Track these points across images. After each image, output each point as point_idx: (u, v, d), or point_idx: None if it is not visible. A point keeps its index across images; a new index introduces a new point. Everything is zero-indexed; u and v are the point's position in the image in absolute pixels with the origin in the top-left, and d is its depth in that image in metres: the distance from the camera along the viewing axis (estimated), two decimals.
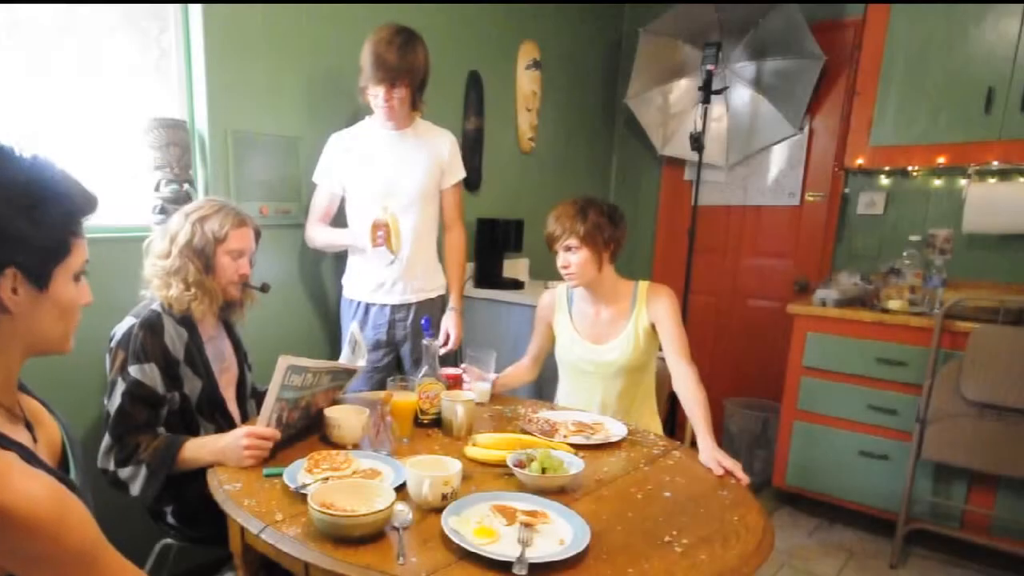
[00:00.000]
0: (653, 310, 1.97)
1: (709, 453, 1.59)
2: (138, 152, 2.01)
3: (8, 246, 0.82)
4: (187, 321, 1.64)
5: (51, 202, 0.86)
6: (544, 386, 2.81)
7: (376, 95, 2.18)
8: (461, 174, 2.41)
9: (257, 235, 1.75)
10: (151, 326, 1.56)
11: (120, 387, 1.53)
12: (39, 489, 0.78)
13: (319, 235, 2.36)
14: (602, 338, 2.00)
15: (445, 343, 2.38)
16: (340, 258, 2.52)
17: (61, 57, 1.91)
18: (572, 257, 1.92)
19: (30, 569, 0.81)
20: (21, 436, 0.91)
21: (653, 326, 1.98)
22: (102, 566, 0.86)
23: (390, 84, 2.14)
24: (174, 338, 1.60)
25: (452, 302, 2.41)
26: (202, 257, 1.62)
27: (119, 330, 1.58)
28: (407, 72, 2.15)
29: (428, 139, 2.33)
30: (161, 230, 1.69)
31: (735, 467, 1.53)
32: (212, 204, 1.67)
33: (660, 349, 2.05)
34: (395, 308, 2.36)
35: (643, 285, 2.01)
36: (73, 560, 0.82)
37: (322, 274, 2.60)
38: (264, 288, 1.81)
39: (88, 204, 0.92)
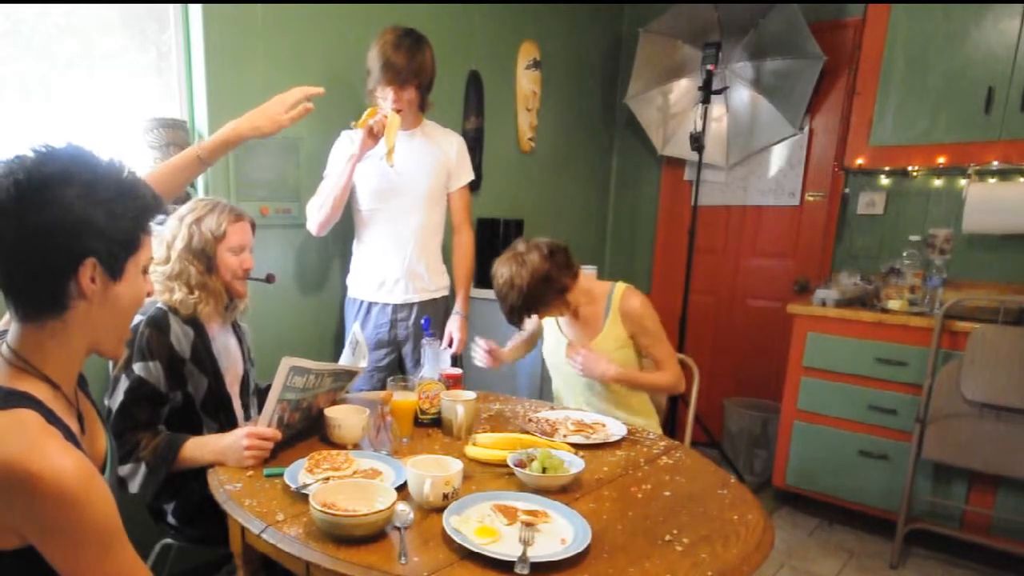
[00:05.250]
0: (629, 323, 1.99)
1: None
2: (138, 152, 2.01)
3: (90, 237, 0.89)
4: (194, 320, 1.64)
5: (127, 198, 0.93)
6: (544, 386, 2.82)
7: (385, 98, 2.18)
8: (469, 176, 2.40)
9: (252, 228, 1.75)
10: (157, 324, 1.56)
11: (123, 384, 1.52)
12: (70, 463, 0.83)
13: (317, 197, 2.25)
14: (582, 338, 2.02)
15: (448, 346, 2.38)
16: (345, 258, 2.52)
17: (61, 57, 1.91)
18: (538, 318, 2.03)
19: (48, 540, 0.84)
20: (71, 423, 0.95)
21: (632, 337, 1.99)
22: (116, 553, 0.89)
23: (399, 86, 2.14)
24: (180, 337, 1.60)
25: (458, 306, 2.40)
26: (203, 258, 1.62)
27: None
28: (415, 74, 2.15)
29: (436, 140, 2.33)
30: (159, 238, 1.66)
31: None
32: (205, 204, 1.67)
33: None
34: (397, 307, 2.36)
35: (618, 290, 2.02)
36: (90, 539, 0.85)
37: (325, 274, 2.60)
38: (269, 279, 1.82)
39: (157, 204, 0.99)
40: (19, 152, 0.89)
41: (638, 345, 2.01)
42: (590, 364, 1.91)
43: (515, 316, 1.93)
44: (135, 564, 0.92)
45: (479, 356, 2.09)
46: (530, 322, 2.18)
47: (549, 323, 2.13)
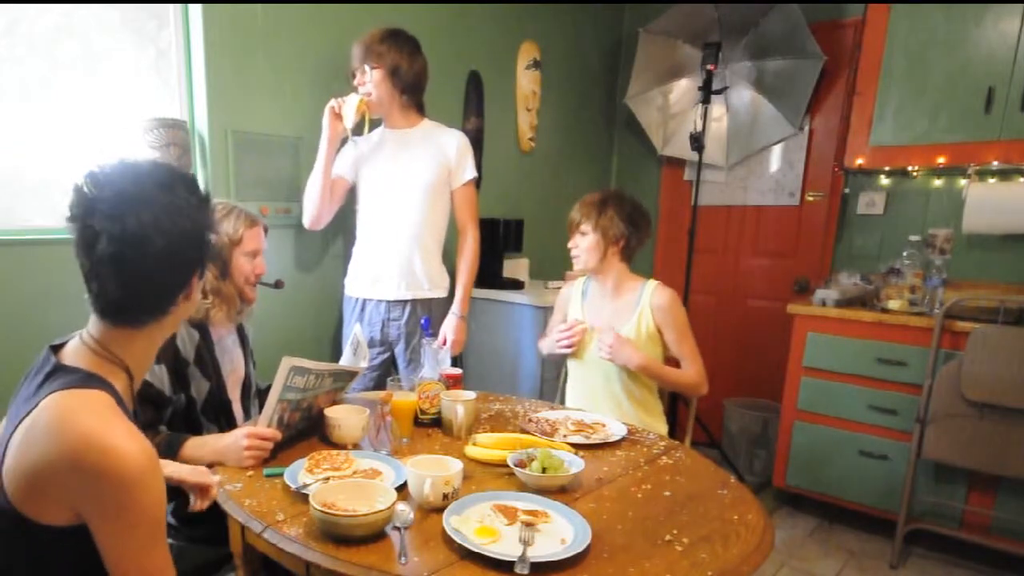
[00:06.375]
0: (659, 315, 2.02)
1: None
2: (138, 152, 2.01)
3: (198, 250, 1.00)
4: (200, 322, 1.63)
5: (203, 204, 1.01)
6: (544, 386, 2.82)
7: (356, 77, 2.24)
8: (470, 174, 2.37)
9: (265, 232, 1.75)
10: None
11: None
12: (139, 447, 0.87)
13: (306, 189, 2.32)
14: (610, 327, 2.02)
15: (442, 346, 2.38)
16: (345, 258, 2.52)
17: (61, 57, 1.91)
18: (580, 240, 2.05)
19: (103, 518, 0.87)
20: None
21: (660, 331, 2.01)
22: (160, 546, 0.92)
23: (361, 61, 2.21)
24: (185, 339, 1.60)
25: (455, 307, 2.38)
26: (218, 262, 1.62)
27: None
28: (378, 55, 2.19)
29: (433, 138, 2.33)
30: None
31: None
32: (221, 208, 1.66)
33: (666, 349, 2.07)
34: (390, 305, 2.36)
35: (650, 286, 2.06)
36: (142, 524, 0.88)
37: (323, 273, 2.60)
38: (278, 285, 1.82)
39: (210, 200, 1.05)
40: (107, 174, 0.92)
41: (665, 341, 2.04)
42: (618, 347, 1.95)
43: (602, 202, 2.03)
44: (170, 563, 0.95)
45: (564, 340, 2.07)
46: (561, 308, 2.23)
47: (574, 311, 2.15)
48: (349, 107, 2.19)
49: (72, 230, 0.92)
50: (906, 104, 2.79)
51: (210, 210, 1.02)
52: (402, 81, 2.24)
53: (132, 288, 0.94)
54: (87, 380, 0.92)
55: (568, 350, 2.08)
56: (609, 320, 2.05)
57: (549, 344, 2.15)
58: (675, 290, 2.08)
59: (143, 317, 0.98)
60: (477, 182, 2.44)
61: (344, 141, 2.32)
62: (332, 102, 2.21)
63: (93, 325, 0.98)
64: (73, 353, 0.97)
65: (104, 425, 0.86)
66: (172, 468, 1.34)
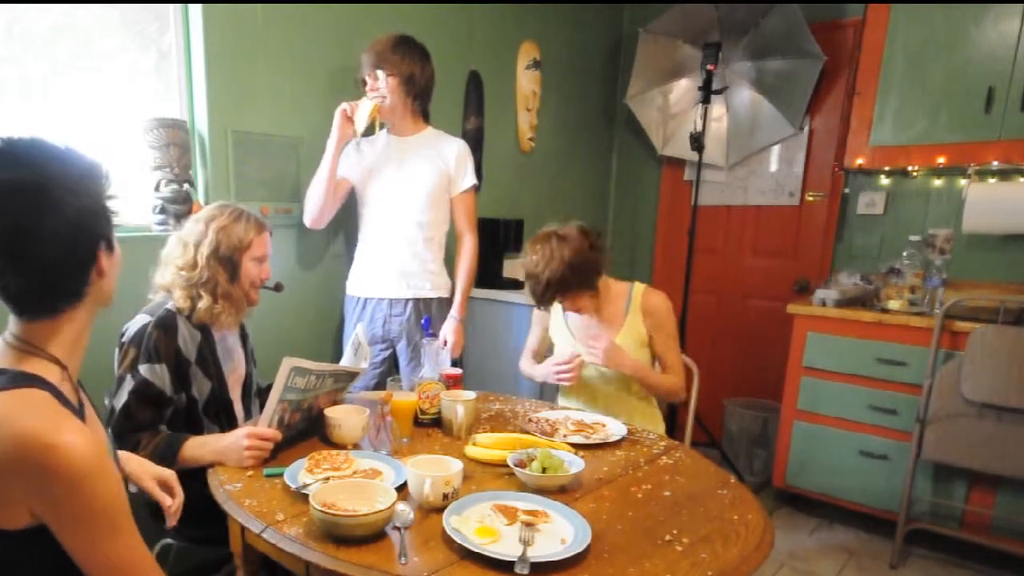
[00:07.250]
0: (651, 320, 2.00)
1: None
2: (138, 152, 2.01)
3: (102, 223, 0.94)
4: (202, 323, 1.64)
5: (105, 178, 0.96)
6: (544, 386, 2.82)
7: (367, 83, 2.25)
8: (470, 181, 2.39)
9: (270, 236, 1.76)
10: (165, 326, 1.56)
11: (128, 385, 1.52)
12: (84, 440, 0.85)
13: (309, 189, 2.32)
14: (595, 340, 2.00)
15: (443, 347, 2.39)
16: (345, 258, 2.52)
17: (61, 57, 1.91)
18: (573, 306, 1.97)
19: (60, 516, 0.86)
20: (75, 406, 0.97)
21: (650, 336, 2.00)
22: (126, 536, 0.91)
23: (374, 68, 2.22)
24: (187, 339, 1.60)
25: (454, 310, 2.40)
26: (229, 266, 1.62)
27: (131, 327, 1.57)
28: (393, 63, 2.21)
29: (435, 146, 2.36)
30: (177, 239, 1.65)
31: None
32: (231, 211, 1.66)
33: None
34: (392, 303, 2.38)
35: (638, 290, 2.02)
36: (101, 517, 0.87)
37: (324, 273, 2.60)
38: (278, 288, 1.82)
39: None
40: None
41: (653, 344, 2.01)
42: (611, 353, 1.90)
43: (548, 294, 1.89)
44: (144, 552, 0.93)
45: (564, 376, 1.94)
46: (540, 323, 2.19)
47: (557, 325, 2.12)
48: (362, 112, 2.20)
49: None
50: (906, 104, 2.79)
51: (101, 175, 0.95)
52: (416, 88, 2.27)
53: (34, 281, 0.89)
54: (18, 379, 0.89)
55: (568, 383, 1.96)
56: (600, 328, 2.02)
57: (542, 374, 2.04)
58: (675, 290, 2.06)
59: (58, 305, 0.93)
60: (477, 187, 2.44)
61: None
62: (344, 105, 2.22)
63: (13, 323, 0.94)
64: None
65: (44, 423, 0.84)
66: (133, 465, 1.33)
